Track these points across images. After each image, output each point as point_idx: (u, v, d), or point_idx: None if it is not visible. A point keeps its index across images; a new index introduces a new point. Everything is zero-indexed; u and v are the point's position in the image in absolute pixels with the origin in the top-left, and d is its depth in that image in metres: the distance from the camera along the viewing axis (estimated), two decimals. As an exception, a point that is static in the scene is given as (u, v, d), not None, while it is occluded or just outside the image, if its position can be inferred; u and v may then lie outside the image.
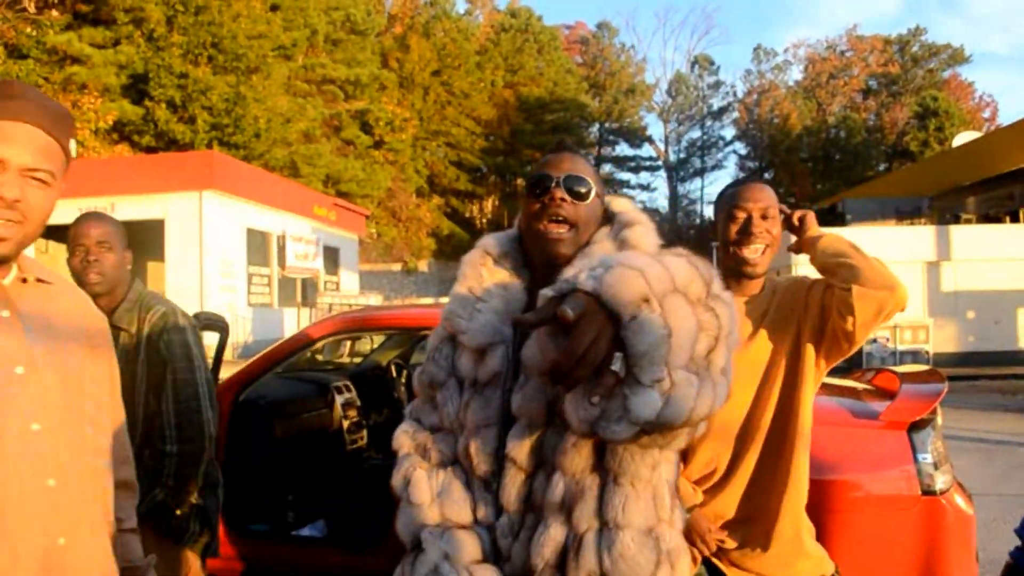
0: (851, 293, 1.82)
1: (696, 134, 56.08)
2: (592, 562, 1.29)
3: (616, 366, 0.99)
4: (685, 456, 2.05)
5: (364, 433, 4.55)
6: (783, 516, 1.98)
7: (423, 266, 38.39)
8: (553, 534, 1.32)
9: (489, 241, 1.56)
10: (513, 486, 1.37)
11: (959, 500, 2.67)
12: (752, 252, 1.98)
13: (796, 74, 54.51)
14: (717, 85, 55.72)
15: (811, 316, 1.97)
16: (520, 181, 40.79)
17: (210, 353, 3.04)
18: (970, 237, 18.44)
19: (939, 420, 2.83)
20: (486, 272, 1.51)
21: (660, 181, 75.23)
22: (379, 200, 36.25)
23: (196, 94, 24.46)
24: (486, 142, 43.26)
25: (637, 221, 1.47)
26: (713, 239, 2.15)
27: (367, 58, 36.96)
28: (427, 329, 1.62)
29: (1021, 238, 18.31)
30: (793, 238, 2.11)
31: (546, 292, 1.05)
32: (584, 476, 1.32)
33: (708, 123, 55.72)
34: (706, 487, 2.05)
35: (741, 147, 54.19)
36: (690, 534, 2.00)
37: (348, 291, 25.59)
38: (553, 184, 1.42)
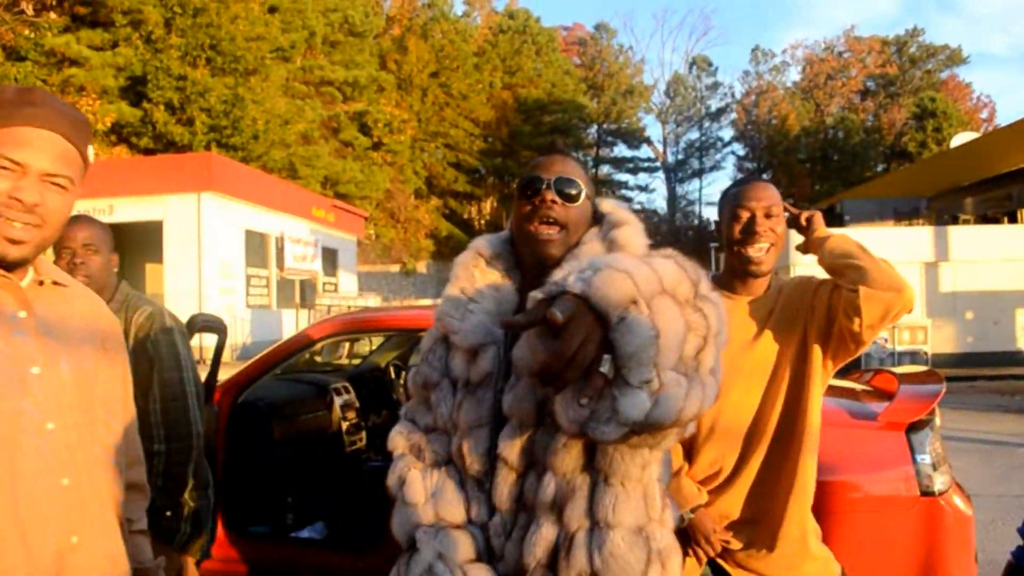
0: (858, 294, 1.82)
1: (694, 135, 56.19)
2: (583, 561, 1.30)
3: (605, 368, 0.99)
4: (690, 456, 2.06)
5: (363, 434, 4.55)
6: (789, 517, 1.97)
7: (422, 267, 38.39)
8: (544, 533, 1.33)
9: (481, 243, 1.58)
10: (505, 486, 1.38)
11: (958, 501, 2.67)
12: (756, 251, 1.97)
13: (794, 75, 54.72)
14: (715, 86, 55.79)
15: (818, 317, 1.96)
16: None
17: (208, 355, 3.04)
18: (968, 238, 18.44)
19: (937, 421, 2.83)
20: (478, 273, 1.52)
21: (658, 182, 75.13)
22: (377, 201, 36.24)
23: (194, 96, 24.44)
24: (484, 143, 43.26)
25: (626, 222, 1.47)
26: (717, 239, 2.15)
27: (365, 60, 36.96)
28: (425, 330, 1.62)
29: (1019, 238, 18.31)
30: (801, 238, 2.10)
31: (536, 294, 1.06)
32: (575, 476, 1.33)
33: (706, 124, 55.79)
34: (711, 487, 2.04)
35: (739, 148, 54.25)
36: (695, 534, 2.00)
37: (347, 292, 25.59)
38: (544, 186, 1.43)
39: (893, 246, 16.20)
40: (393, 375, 5.32)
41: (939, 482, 2.64)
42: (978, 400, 12.10)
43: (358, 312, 4.28)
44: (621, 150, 54.03)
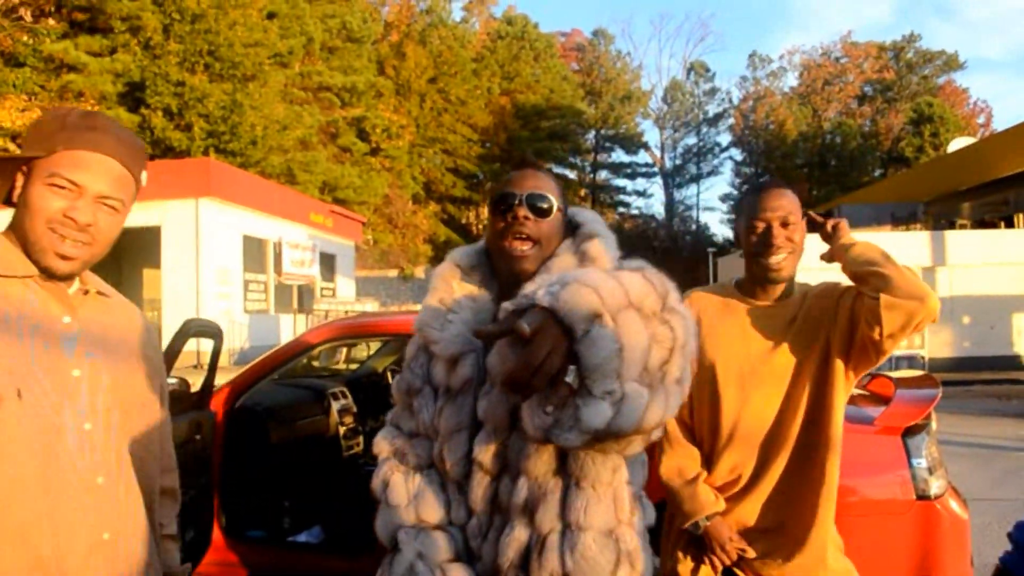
0: (879, 302, 1.79)
1: (692, 140, 56.33)
2: (555, 563, 1.34)
3: (570, 378, 1.04)
4: (710, 462, 2.04)
5: (360, 439, 4.55)
6: (816, 526, 1.93)
7: (419, 272, 38.36)
8: (517, 535, 1.37)
9: (458, 255, 1.62)
10: (480, 488, 1.42)
11: (954, 505, 2.68)
12: (774, 262, 1.95)
13: (791, 80, 54.78)
14: (713, 92, 55.94)
15: (840, 325, 1.93)
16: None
17: (206, 360, 3.04)
18: (965, 242, 18.48)
19: (934, 425, 2.84)
20: (456, 285, 1.56)
21: (656, 187, 75.05)
22: (375, 207, 36.25)
23: (192, 102, 24.44)
24: (482, 149, 43.32)
25: (597, 234, 1.51)
26: (737, 246, 2.12)
27: (363, 65, 37.01)
28: (423, 335, 1.65)
29: (1016, 243, 18.36)
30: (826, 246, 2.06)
31: (507, 306, 1.10)
32: (547, 479, 1.37)
33: (704, 129, 55.92)
34: (729, 494, 2.02)
35: (737, 153, 54.40)
36: (710, 542, 1.99)
37: (344, 298, 25.58)
38: (516, 202, 1.45)
39: (890, 251, 16.17)
40: (390, 380, 5.31)
41: (935, 486, 2.64)
42: (975, 404, 12.11)
43: (356, 317, 4.29)
44: (619, 155, 54.15)
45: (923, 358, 16.27)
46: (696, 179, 56.11)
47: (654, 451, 2.53)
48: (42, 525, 1.23)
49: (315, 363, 5.56)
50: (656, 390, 1.09)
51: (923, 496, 2.61)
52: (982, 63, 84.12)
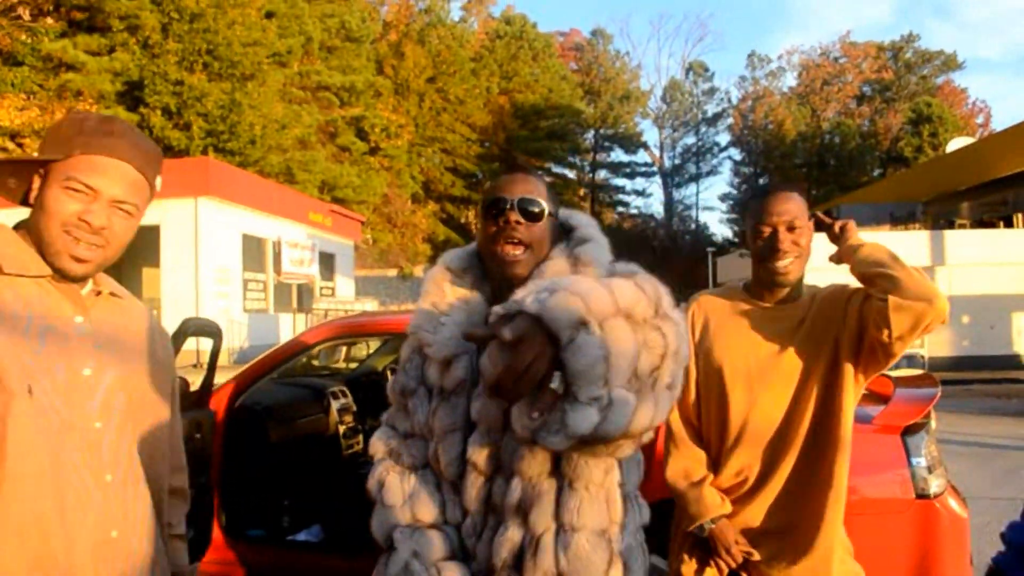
0: (887, 304, 1.77)
1: (691, 140, 56.35)
2: (549, 563, 1.35)
3: (555, 384, 1.06)
4: (717, 464, 2.04)
5: (360, 438, 4.55)
6: (820, 529, 1.92)
7: (419, 272, 38.34)
8: (510, 535, 1.39)
9: (449, 257, 1.63)
10: (473, 489, 1.43)
11: (953, 504, 2.68)
12: (781, 266, 1.94)
13: (790, 80, 54.82)
14: (711, 91, 55.96)
15: (849, 327, 1.92)
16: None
17: (205, 359, 3.05)
18: (964, 242, 18.51)
19: (933, 424, 2.84)
20: (448, 288, 1.57)
21: (655, 187, 75.29)
22: (374, 206, 36.25)
23: (191, 101, 24.44)
24: (481, 148, 43.32)
25: (590, 238, 1.52)
26: (743, 246, 2.11)
27: (362, 65, 37.00)
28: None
29: (1015, 243, 18.39)
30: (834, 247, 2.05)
31: (497, 310, 1.11)
32: (541, 480, 1.38)
33: (703, 129, 55.94)
34: (736, 496, 2.01)
35: (736, 153, 54.44)
36: (716, 545, 1.98)
37: (344, 297, 25.58)
38: (508, 207, 1.46)
39: (889, 250, 16.21)
40: (390, 379, 5.30)
41: (934, 485, 2.64)
42: (974, 404, 12.13)
43: (355, 316, 4.29)
44: (618, 155, 54.17)
45: (923, 357, 16.29)
46: (695, 179, 56.18)
47: (652, 451, 2.54)
48: (51, 521, 1.24)
49: (315, 362, 5.56)
50: (645, 396, 1.10)
51: (922, 495, 2.61)
52: (981, 63, 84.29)
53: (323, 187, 31.27)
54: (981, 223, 23.30)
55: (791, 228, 1.93)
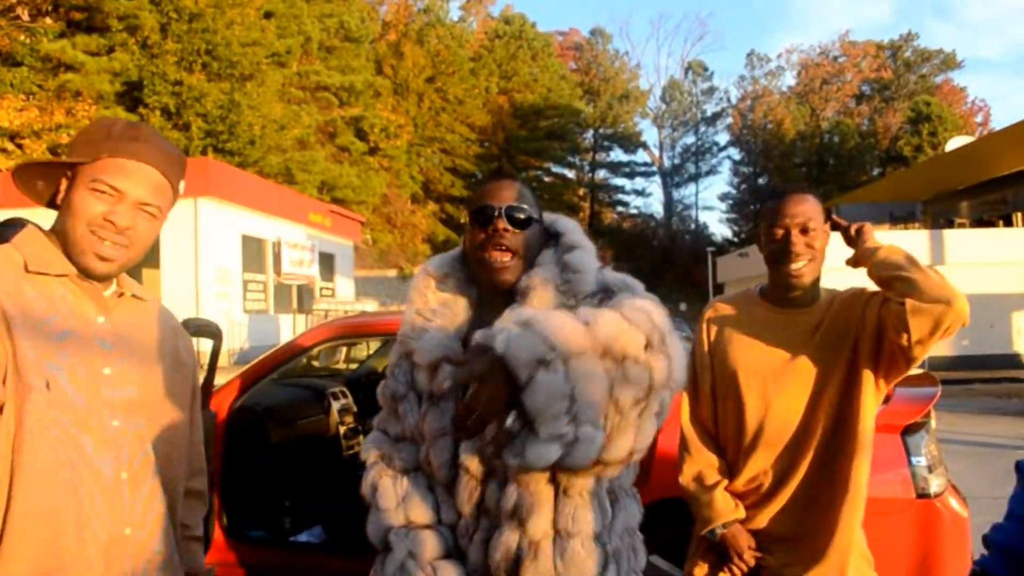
0: (905, 308, 1.72)
1: (690, 139, 56.42)
2: (548, 567, 1.38)
3: (510, 423, 1.11)
4: (733, 469, 2.03)
5: (360, 439, 4.54)
6: (834, 536, 1.89)
7: (418, 272, 38.35)
8: (505, 539, 1.40)
9: (431, 264, 1.66)
10: (466, 492, 1.46)
11: (954, 503, 2.68)
12: (794, 269, 1.92)
13: (789, 80, 54.88)
14: (711, 91, 56.04)
15: (868, 331, 1.88)
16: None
17: (205, 360, 3.05)
18: (964, 241, 18.52)
19: (933, 423, 2.84)
20: (431, 294, 1.60)
21: (655, 186, 75.30)
22: (374, 206, 36.25)
23: (190, 101, 24.45)
24: (481, 148, 43.32)
25: (578, 245, 1.54)
26: (748, 250, 2.09)
27: (361, 65, 37.01)
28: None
29: (1015, 242, 18.40)
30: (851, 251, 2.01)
31: (477, 337, 1.17)
32: (538, 488, 1.39)
33: (702, 129, 55.99)
34: (750, 501, 2.00)
35: (735, 152, 54.49)
36: (728, 550, 1.97)
37: (344, 297, 25.58)
38: (496, 215, 1.48)
39: (889, 250, 16.21)
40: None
41: (935, 484, 2.65)
42: (974, 403, 12.13)
43: (355, 316, 4.28)
44: (617, 154, 54.21)
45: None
46: (695, 178, 56.22)
47: (652, 452, 2.53)
48: (65, 516, 1.26)
49: (315, 363, 5.56)
50: (626, 428, 1.15)
51: (923, 494, 2.61)
52: (980, 62, 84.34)
53: (322, 187, 31.27)
54: (980, 222, 23.32)
55: (804, 230, 1.90)
